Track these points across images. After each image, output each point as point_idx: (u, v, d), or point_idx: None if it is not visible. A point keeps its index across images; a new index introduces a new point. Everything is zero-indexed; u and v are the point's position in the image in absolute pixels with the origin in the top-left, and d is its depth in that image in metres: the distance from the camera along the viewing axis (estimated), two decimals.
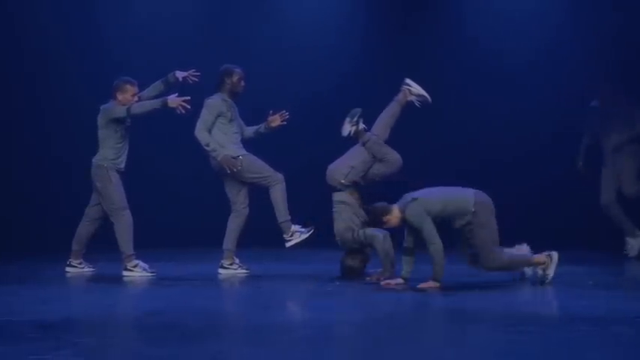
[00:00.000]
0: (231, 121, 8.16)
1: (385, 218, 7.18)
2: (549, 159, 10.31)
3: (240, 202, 8.19)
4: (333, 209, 8.09)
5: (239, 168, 8.04)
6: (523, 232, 7.55)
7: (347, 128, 7.97)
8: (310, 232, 8.06)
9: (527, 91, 10.51)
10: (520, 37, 10.51)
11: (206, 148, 8.05)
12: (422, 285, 7.04)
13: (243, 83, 8.23)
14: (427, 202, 7.06)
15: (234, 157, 8.07)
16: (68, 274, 8.12)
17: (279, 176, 8.12)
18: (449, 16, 10.83)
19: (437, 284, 7.00)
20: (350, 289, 7.29)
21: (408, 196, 7.17)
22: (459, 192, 7.22)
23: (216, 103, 8.10)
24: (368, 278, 7.77)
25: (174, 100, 7.82)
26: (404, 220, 7.13)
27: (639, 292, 6.98)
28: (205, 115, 8.06)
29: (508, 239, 7.18)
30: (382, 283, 7.31)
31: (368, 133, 8.03)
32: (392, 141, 7.99)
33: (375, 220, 7.33)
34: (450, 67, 10.61)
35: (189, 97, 7.85)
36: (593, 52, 10.17)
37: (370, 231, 7.86)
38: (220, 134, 8.12)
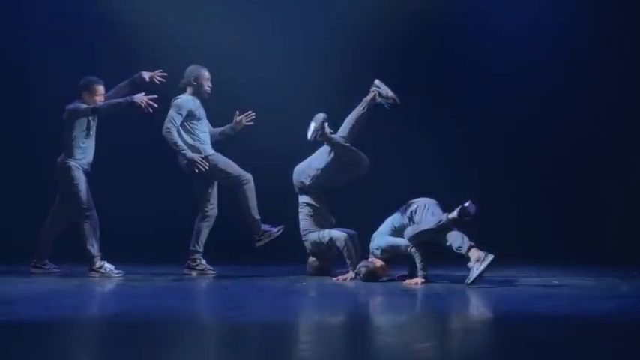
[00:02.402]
0: (199, 120, 8.16)
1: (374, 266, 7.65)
2: (525, 163, 10.33)
3: (208, 203, 8.19)
4: (299, 210, 8.15)
5: (207, 168, 8.04)
6: (495, 234, 7.60)
7: (312, 132, 7.98)
8: (280, 231, 8.09)
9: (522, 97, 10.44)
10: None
11: (174, 147, 8.04)
12: (409, 281, 7.49)
13: (210, 84, 8.24)
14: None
15: (203, 157, 8.07)
16: (33, 275, 8.06)
17: (248, 176, 8.13)
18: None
19: (424, 280, 7.42)
20: (316, 289, 7.31)
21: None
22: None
23: (183, 103, 8.10)
24: (334, 278, 7.82)
25: (140, 98, 7.79)
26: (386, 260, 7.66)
27: (606, 292, 7.05)
28: (173, 115, 8.05)
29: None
30: (404, 283, 7.54)
31: (334, 136, 8.06)
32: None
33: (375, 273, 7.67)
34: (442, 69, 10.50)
35: (156, 96, 7.83)
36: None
37: (334, 232, 7.96)
38: (189, 134, 8.11)
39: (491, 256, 7.15)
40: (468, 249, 7.26)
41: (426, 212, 7.59)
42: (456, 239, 7.33)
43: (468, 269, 7.22)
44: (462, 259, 7.35)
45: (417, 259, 7.47)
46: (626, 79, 10.12)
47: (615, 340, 5.01)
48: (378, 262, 7.62)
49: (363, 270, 7.61)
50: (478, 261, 7.16)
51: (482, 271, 7.14)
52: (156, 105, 7.81)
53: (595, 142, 10.18)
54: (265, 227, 8.11)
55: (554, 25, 10.17)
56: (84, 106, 7.97)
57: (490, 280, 7.50)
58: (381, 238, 7.66)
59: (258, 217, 8.12)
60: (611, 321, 5.60)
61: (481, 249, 7.23)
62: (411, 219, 7.63)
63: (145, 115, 7.87)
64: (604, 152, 10.16)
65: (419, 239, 7.45)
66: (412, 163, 9.64)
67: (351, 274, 7.76)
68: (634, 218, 9.86)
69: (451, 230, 7.38)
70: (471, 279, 7.16)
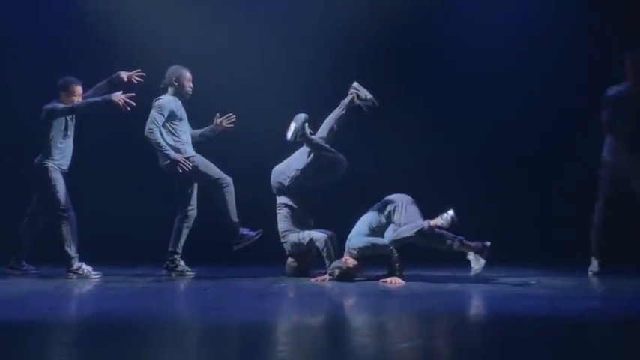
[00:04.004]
0: (180, 120, 8.14)
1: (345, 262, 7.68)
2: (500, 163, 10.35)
3: (187, 204, 8.16)
4: (277, 211, 8.14)
5: (190, 168, 8.01)
6: (474, 234, 7.63)
7: (292, 133, 7.98)
8: (258, 235, 8.07)
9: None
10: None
11: (157, 148, 8.00)
12: (385, 280, 7.53)
13: (191, 84, 8.22)
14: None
15: (186, 158, 8.04)
16: (11, 277, 8.02)
17: (228, 179, 8.10)
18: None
19: (401, 279, 7.50)
20: (294, 290, 7.32)
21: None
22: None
23: (165, 103, 8.06)
24: (312, 279, 7.82)
25: (118, 97, 7.75)
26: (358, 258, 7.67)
27: (584, 293, 7.09)
28: (155, 116, 8.01)
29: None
30: (381, 282, 7.58)
31: (313, 137, 8.07)
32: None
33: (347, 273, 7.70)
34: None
35: (134, 94, 7.79)
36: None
37: (314, 233, 7.98)
38: (170, 135, 8.08)
39: (487, 243, 7.45)
40: (460, 244, 7.45)
41: (404, 213, 7.63)
42: (442, 240, 7.43)
43: (468, 262, 7.48)
44: (444, 259, 7.40)
45: (394, 259, 7.50)
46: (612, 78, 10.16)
47: (592, 339, 5.03)
48: (351, 262, 7.64)
49: (337, 271, 7.65)
50: (476, 251, 7.43)
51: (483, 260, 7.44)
52: (134, 103, 7.78)
53: (582, 143, 10.17)
54: (244, 231, 8.08)
55: (535, 24, 10.19)
56: (61, 105, 7.93)
57: (469, 280, 7.52)
58: (359, 237, 7.68)
59: (236, 220, 8.10)
60: (589, 321, 5.63)
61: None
62: (388, 218, 7.68)
63: (123, 114, 7.84)
64: (591, 153, 10.17)
65: (399, 244, 7.51)
66: (390, 164, 9.65)
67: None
68: (617, 219, 9.89)
69: (433, 234, 7.43)
70: (477, 270, 7.43)
